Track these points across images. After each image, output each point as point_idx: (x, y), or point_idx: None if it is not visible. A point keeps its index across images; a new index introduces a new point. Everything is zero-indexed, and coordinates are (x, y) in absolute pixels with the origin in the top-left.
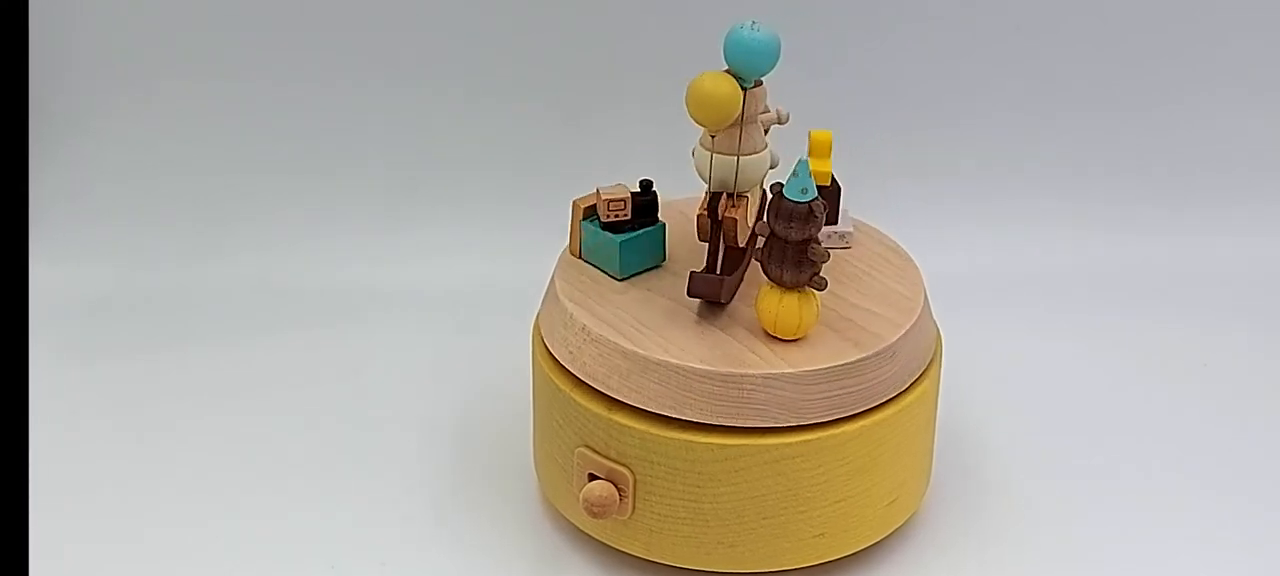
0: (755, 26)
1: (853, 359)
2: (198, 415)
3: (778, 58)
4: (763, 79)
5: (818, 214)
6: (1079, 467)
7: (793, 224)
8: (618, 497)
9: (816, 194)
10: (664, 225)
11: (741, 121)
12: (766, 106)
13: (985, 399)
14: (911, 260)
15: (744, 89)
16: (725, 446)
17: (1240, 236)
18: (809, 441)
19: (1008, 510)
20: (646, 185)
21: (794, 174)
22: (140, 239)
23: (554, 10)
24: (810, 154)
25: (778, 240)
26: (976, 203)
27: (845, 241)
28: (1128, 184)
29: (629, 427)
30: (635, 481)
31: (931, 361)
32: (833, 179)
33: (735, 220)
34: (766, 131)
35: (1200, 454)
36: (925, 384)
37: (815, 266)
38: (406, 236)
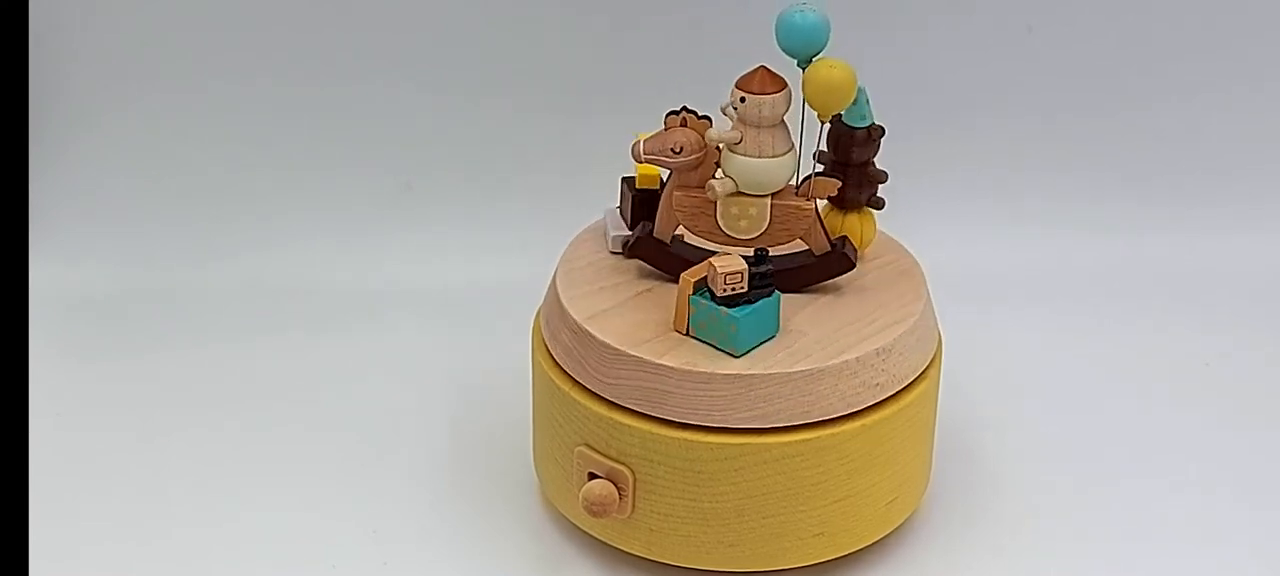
0: (805, 10)
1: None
2: (198, 415)
3: (827, 37)
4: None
5: (875, 137)
6: (1079, 467)
7: (854, 148)
8: (618, 496)
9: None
10: (779, 296)
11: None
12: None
13: (985, 399)
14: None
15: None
16: (726, 445)
17: (1240, 236)
18: (809, 440)
19: (1007, 510)
20: (762, 256)
21: (855, 102)
22: (140, 239)
23: (554, 10)
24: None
25: (839, 165)
26: (977, 202)
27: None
28: (1128, 184)
29: (629, 426)
30: (635, 480)
31: (932, 361)
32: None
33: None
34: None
35: (1200, 454)
36: (925, 383)
37: (874, 185)
38: (406, 236)
